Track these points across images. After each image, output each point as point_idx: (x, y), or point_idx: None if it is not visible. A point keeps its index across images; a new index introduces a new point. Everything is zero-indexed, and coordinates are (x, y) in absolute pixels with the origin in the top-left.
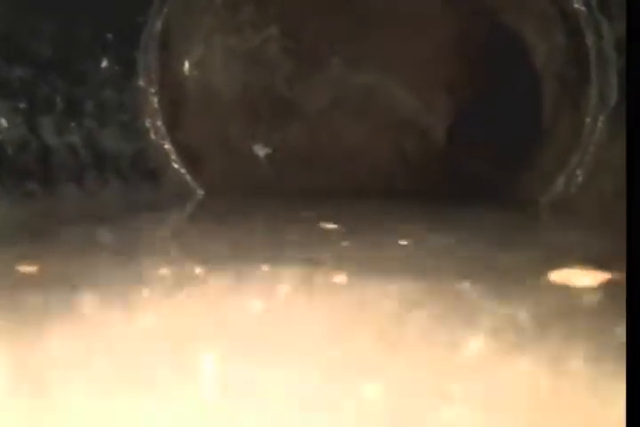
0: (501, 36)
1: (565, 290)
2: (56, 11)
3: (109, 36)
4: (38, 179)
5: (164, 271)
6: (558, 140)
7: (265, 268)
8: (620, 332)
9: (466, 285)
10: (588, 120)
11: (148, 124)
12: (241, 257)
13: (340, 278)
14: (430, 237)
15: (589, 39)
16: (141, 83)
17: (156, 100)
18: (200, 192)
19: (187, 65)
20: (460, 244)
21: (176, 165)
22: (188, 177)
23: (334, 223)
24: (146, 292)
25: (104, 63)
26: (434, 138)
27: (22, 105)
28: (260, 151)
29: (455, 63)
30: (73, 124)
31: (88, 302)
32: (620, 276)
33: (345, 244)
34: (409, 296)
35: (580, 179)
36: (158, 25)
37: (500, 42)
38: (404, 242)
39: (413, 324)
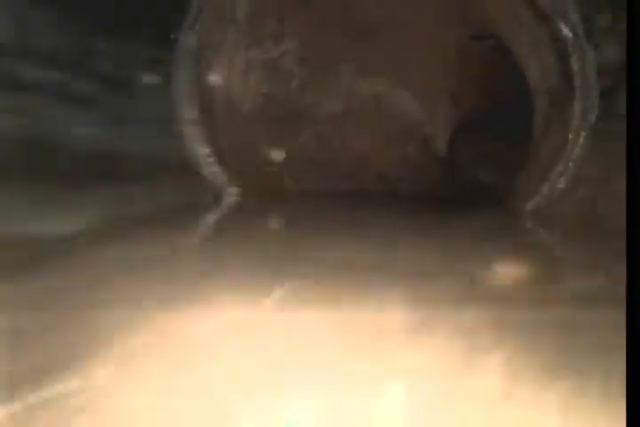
0: (500, 55)
1: None
2: (103, 29)
3: (148, 51)
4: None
5: None
6: (545, 152)
7: None
8: None
9: None
10: (571, 136)
11: (184, 130)
12: None
13: None
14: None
15: (575, 63)
16: (177, 94)
17: (190, 109)
18: (233, 191)
19: (214, 76)
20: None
21: (212, 168)
22: (223, 178)
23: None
24: None
25: (145, 76)
26: (436, 146)
27: (94, 115)
28: (277, 155)
29: (457, 79)
30: (125, 131)
31: None
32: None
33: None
34: None
35: (561, 187)
36: (191, 40)
37: (498, 61)
38: None
39: None
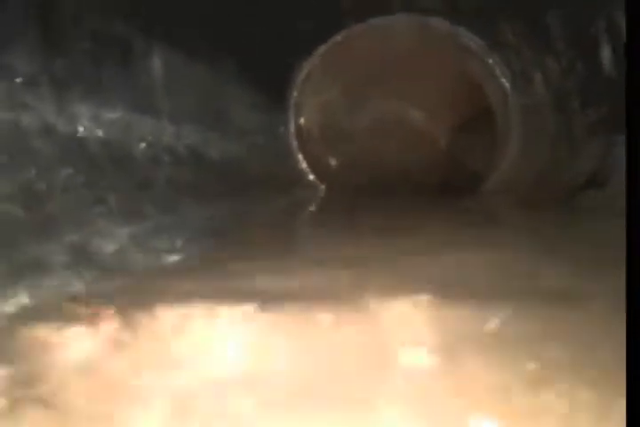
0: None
1: None
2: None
3: (267, 75)
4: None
5: None
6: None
7: None
8: None
9: None
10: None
11: (289, 143)
12: None
13: None
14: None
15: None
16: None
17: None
18: (322, 188)
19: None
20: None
21: (310, 177)
22: (313, 177)
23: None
24: None
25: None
26: (439, 145)
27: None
28: (333, 162)
29: (457, 95)
30: (238, 143)
31: None
32: None
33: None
34: None
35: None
36: (305, 68)
37: (489, 81)
38: None
39: None
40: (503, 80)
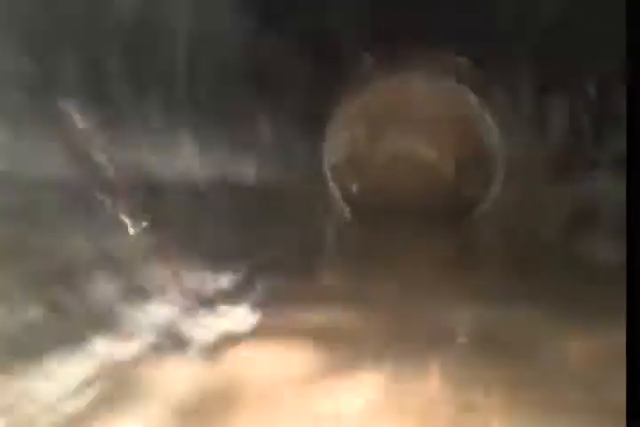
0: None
1: None
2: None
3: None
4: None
5: None
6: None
7: None
8: None
9: None
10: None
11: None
12: None
13: None
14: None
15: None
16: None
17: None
18: (347, 209)
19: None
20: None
21: (339, 201)
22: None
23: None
24: None
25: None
26: (445, 175)
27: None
28: (355, 188)
29: (458, 133)
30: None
31: None
32: None
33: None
34: None
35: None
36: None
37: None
38: None
39: None
40: (495, 129)
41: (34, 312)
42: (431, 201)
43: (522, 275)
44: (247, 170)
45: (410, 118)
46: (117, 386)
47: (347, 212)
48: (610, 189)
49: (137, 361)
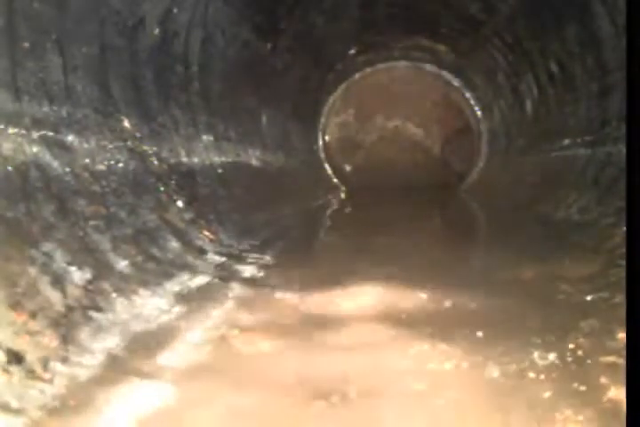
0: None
1: None
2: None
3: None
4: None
5: None
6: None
7: None
8: None
9: None
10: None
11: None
12: None
13: None
14: None
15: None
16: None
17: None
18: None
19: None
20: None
21: (334, 180)
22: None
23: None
24: None
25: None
26: (433, 152)
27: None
28: (348, 168)
29: (445, 111)
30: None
31: None
32: None
33: None
34: None
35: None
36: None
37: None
38: None
39: None
40: (476, 108)
41: (124, 262)
42: (421, 177)
43: (499, 231)
44: (252, 153)
45: (397, 101)
46: (193, 308)
47: (342, 190)
48: (576, 154)
49: (204, 291)
